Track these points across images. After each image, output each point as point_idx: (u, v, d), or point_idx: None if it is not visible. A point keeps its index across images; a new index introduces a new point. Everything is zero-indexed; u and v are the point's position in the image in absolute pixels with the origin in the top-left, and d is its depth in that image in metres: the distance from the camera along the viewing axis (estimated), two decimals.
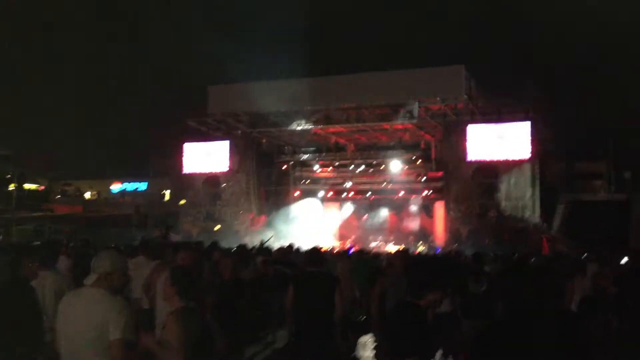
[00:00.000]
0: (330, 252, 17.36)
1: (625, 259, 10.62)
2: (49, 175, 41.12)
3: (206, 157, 32.30)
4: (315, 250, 7.70)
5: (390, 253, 16.29)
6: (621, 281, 7.89)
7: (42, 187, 40.43)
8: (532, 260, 11.23)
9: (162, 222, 29.30)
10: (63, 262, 9.20)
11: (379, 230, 33.29)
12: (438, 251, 25.14)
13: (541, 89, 26.77)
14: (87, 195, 42.99)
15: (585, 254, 12.85)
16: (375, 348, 4.15)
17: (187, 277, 4.45)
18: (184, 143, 32.70)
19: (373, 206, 34.09)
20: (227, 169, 31.92)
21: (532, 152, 26.17)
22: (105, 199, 41.70)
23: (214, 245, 12.08)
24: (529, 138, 26.22)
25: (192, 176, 32.62)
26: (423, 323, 3.91)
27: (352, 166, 31.98)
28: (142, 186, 43.83)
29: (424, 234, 31.68)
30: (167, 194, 42.30)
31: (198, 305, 4.35)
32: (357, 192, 33.94)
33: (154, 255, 7.68)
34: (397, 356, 3.81)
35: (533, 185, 26.11)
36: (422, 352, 3.77)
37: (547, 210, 25.89)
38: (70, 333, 4.03)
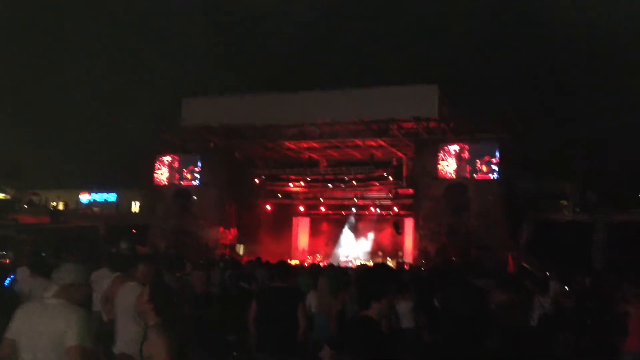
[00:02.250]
0: (301, 268, 17.40)
1: (584, 279, 10.84)
2: (15, 185, 40.41)
3: (177, 169, 32.17)
4: (282, 265, 7.73)
5: (355, 268, 16.36)
6: (581, 300, 8.09)
7: (8, 197, 39.71)
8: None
9: (130, 234, 29.00)
10: (23, 273, 9.06)
11: (349, 246, 33.41)
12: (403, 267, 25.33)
13: (511, 109, 27.26)
14: (55, 205, 42.34)
15: (548, 273, 13.07)
16: None
17: (166, 294, 4.45)
18: (155, 155, 32.52)
19: (344, 222, 34.22)
20: (199, 182, 31.82)
21: (501, 172, 26.61)
22: (74, 210, 41.11)
23: (185, 259, 12.04)
24: (499, 158, 26.67)
25: (162, 188, 32.42)
26: (372, 335, 3.92)
27: (324, 182, 32.06)
28: (112, 197, 43.35)
29: (394, 251, 31.87)
30: (137, 206, 41.89)
31: (174, 320, 4.35)
32: (329, 208, 34.07)
33: (118, 268, 7.62)
34: None
35: (501, 204, 26.46)
36: None
37: (513, 229, 26.24)
38: (29, 343, 4.02)
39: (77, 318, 4.00)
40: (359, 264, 25.25)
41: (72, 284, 4.17)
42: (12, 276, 8.35)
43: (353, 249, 32.92)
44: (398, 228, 31.92)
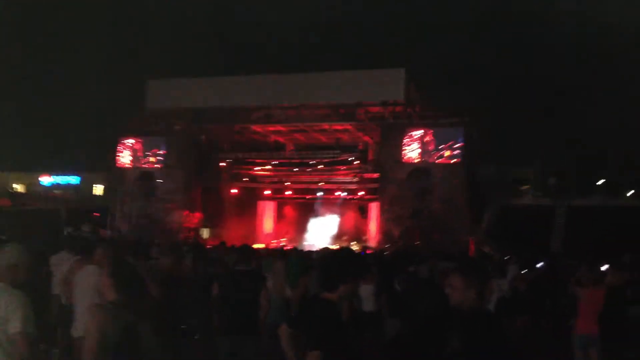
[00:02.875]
0: (265, 251, 17.39)
1: (540, 263, 11.07)
2: None
3: (142, 152, 31.75)
4: (245, 249, 7.72)
5: (319, 251, 16.40)
6: (535, 283, 8.26)
7: None
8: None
9: (92, 217, 28.61)
10: None
11: (314, 229, 33.47)
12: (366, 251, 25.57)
13: (476, 95, 27.61)
14: (16, 187, 41.52)
15: (507, 257, 13.32)
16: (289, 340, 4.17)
17: (127, 271, 4.41)
18: (120, 137, 32.05)
19: (309, 205, 34.25)
20: (164, 165, 31.48)
21: (464, 157, 26.92)
22: (35, 192, 40.34)
23: (148, 243, 11.95)
24: (463, 143, 26.96)
25: (126, 171, 31.99)
26: (332, 316, 3.94)
27: (290, 165, 32.02)
28: (75, 181, 42.63)
29: (358, 234, 32.05)
30: (100, 188, 41.30)
31: (133, 302, 4.29)
32: (295, 192, 34.07)
33: (78, 251, 7.55)
34: (307, 349, 3.84)
35: (464, 189, 26.80)
36: (331, 345, 3.81)
37: (476, 213, 26.64)
38: None
39: (18, 303, 3.94)
40: (323, 247, 25.33)
41: (15, 264, 4.12)
42: None
43: (318, 233, 32.98)
44: (363, 212, 32.10)
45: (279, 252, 15.14)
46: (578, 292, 7.48)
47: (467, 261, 9.34)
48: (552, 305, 7.83)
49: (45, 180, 43.07)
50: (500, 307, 7.49)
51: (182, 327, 6.97)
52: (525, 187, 29.37)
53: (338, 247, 25.61)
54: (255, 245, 24.69)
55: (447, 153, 27.10)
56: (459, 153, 26.95)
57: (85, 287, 5.75)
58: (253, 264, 7.54)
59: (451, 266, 7.51)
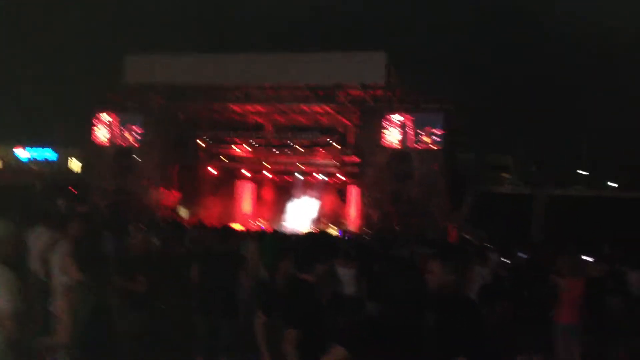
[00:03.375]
0: (242, 232, 17.27)
1: (521, 253, 11.10)
2: None
3: (120, 128, 31.31)
4: (225, 229, 7.65)
5: (298, 234, 16.37)
6: (517, 272, 8.26)
7: None
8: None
9: (68, 192, 28.25)
10: None
11: (293, 211, 33.41)
12: (342, 234, 25.60)
13: (457, 80, 27.65)
14: None
15: (488, 244, 13.35)
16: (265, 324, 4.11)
17: (88, 250, 4.30)
18: (97, 112, 31.54)
19: (288, 187, 34.16)
20: (141, 142, 31.08)
21: (444, 143, 26.98)
22: (9, 165, 39.72)
23: (126, 220, 11.76)
24: (443, 128, 26.99)
25: (103, 147, 31.54)
26: (309, 296, 3.89)
27: (269, 146, 31.82)
28: (52, 157, 42.04)
29: (337, 218, 32.06)
30: (77, 164, 40.78)
31: (97, 279, 4.19)
32: (274, 173, 33.91)
33: (54, 226, 7.37)
34: (283, 328, 3.79)
35: (443, 174, 26.88)
36: (308, 325, 3.75)
37: (455, 199, 26.77)
38: None
39: (4, 279, 3.84)
40: (302, 230, 25.31)
41: (1, 240, 3.99)
42: None
43: (297, 215, 32.93)
44: (342, 195, 32.08)
45: (257, 233, 15.06)
46: (559, 282, 7.48)
47: (447, 247, 9.30)
48: (532, 295, 7.84)
49: (21, 153, 42.41)
50: (482, 295, 7.46)
51: (160, 306, 6.88)
52: (505, 174, 29.57)
53: (316, 230, 25.66)
54: (233, 226, 24.61)
55: (427, 138, 27.12)
56: (440, 139, 26.99)
57: (59, 262, 5.59)
58: (233, 245, 7.44)
59: (431, 251, 7.49)
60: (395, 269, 3.86)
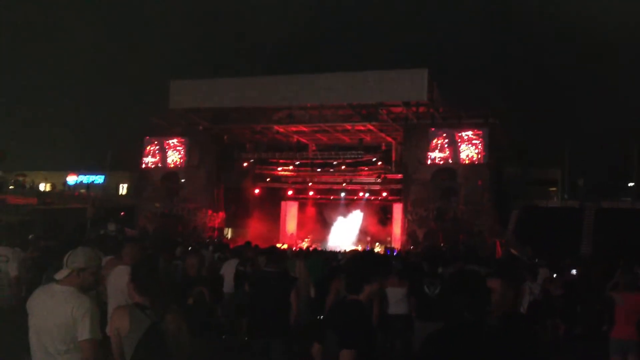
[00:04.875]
0: (288, 251, 17.38)
1: (574, 270, 10.89)
2: (2, 166, 40.16)
3: (166, 152, 31.96)
4: (274, 250, 7.72)
5: (345, 253, 16.36)
6: (570, 288, 8.11)
7: None
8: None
9: (118, 216, 28.87)
10: (17, 254, 8.94)
11: (337, 230, 33.43)
12: (392, 252, 25.42)
13: (501, 96, 27.40)
14: (42, 187, 42.09)
15: (537, 259, 13.14)
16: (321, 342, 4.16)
17: (145, 273, 4.42)
18: (144, 137, 32.30)
19: (332, 206, 34.21)
20: (187, 164, 31.65)
21: (489, 158, 26.69)
22: (61, 192, 40.86)
23: (175, 242, 11.97)
24: (487, 144, 26.73)
25: (151, 171, 32.22)
26: (361, 316, 3.92)
27: (313, 166, 32.00)
28: (99, 180, 43.09)
29: (382, 236, 31.93)
30: (125, 188, 41.69)
31: (157, 302, 4.31)
32: (317, 192, 34.05)
33: (108, 250, 7.59)
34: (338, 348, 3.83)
35: (489, 190, 26.57)
36: (363, 345, 3.79)
37: (502, 215, 26.40)
38: (40, 330, 4.00)
39: (85, 308, 3.96)
40: (348, 249, 25.28)
41: (84, 268, 4.13)
42: None
43: (341, 233, 32.93)
44: (386, 213, 31.97)
45: (304, 253, 15.14)
46: (615, 297, 7.33)
47: (502, 264, 9.21)
48: (585, 311, 7.68)
49: (72, 179, 43.60)
50: (532, 311, 7.37)
51: (213, 324, 6.99)
52: (552, 188, 29.07)
53: (361, 248, 25.62)
54: (278, 246, 24.75)
55: (471, 154, 26.88)
56: (484, 154, 26.73)
57: (117, 286, 5.76)
58: (280, 265, 7.52)
59: (481, 269, 7.44)
60: (446, 287, 3.86)
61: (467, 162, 26.99)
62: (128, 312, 4.11)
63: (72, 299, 3.99)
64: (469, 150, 26.93)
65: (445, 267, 10.46)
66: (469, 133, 27.14)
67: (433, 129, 27.72)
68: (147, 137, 32.24)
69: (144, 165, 32.27)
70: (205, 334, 7.03)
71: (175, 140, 31.92)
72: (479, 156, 26.79)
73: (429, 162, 27.55)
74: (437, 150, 27.48)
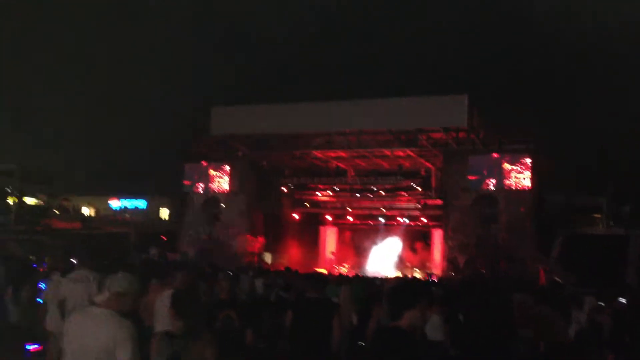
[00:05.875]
0: (330, 277, 17.36)
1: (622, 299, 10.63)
2: (47, 191, 41.16)
3: (206, 177, 32.39)
4: (316, 275, 7.76)
5: (386, 279, 16.25)
6: (619, 317, 7.93)
7: (41, 203, 40.46)
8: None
9: (160, 240, 29.25)
10: (56, 278, 9.09)
11: (377, 256, 33.27)
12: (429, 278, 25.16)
13: (543, 121, 27.09)
14: (86, 211, 42.97)
15: (583, 288, 12.88)
16: None
17: (185, 299, 4.48)
18: (185, 163, 32.83)
19: (371, 232, 34.11)
20: (227, 190, 32.01)
21: (531, 184, 26.33)
22: (104, 216, 41.62)
23: (216, 267, 12.07)
24: (529, 170, 26.40)
25: (191, 196, 32.67)
26: (403, 343, 3.90)
27: (352, 191, 32.02)
28: (141, 205, 43.80)
29: (422, 262, 31.66)
30: (166, 213, 42.25)
31: (194, 329, 4.35)
32: (356, 218, 34.00)
33: (153, 275, 7.70)
34: None
35: (532, 217, 26.16)
36: None
37: (544, 242, 25.93)
38: (77, 352, 4.05)
39: (127, 332, 4.01)
40: (388, 275, 25.11)
41: (125, 293, 4.19)
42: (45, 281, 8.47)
43: (381, 259, 32.76)
44: (426, 239, 31.71)
45: (344, 278, 15.10)
46: None
47: (548, 292, 9.05)
48: (634, 340, 7.50)
49: (114, 203, 44.42)
50: (579, 340, 7.22)
51: (246, 348, 6.99)
52: (597, 215, 28.45)
53: (401, 274, 25.46)
54: (319, 271, 24.75)
55: (513, 179, 26.57)
56: (526, 179, 26.39)
57: (164, 311, 5.85)
58: (322, 291, 7.53)
59: (528, 298, 7.32)
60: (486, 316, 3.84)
61: (508, 187, 26.67)
62: (156, 340, 4.19)
63: (113, 321, 4.04)
64: (511, 176, 26.62)
65: (485, 295, 10.24)
66: (510, 158, 26.84)
67: (473, 154, 27.50)
68: (188, 163, 32.74)
69: (186, 191, 32.75)
70: (239, 358, 7.06)
71: (215, 166, 32.34)
72: (522, 182, 26.44)
73: (469, 188, 27.30)
74: (477, 176, 27.22)
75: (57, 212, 38.75)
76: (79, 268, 7.92)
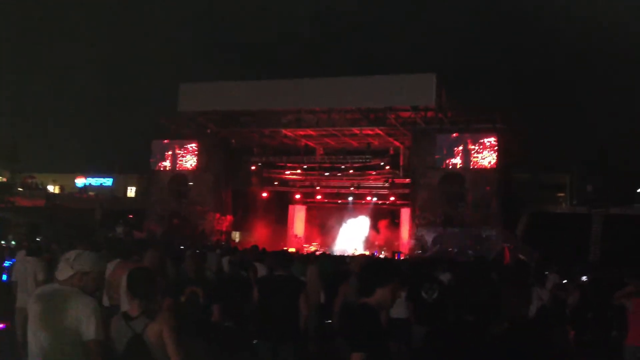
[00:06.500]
0: (297, 255, 17.37)
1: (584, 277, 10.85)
2: (11, 167, 40.34)
3: (174, 155, 32.08)
4: (283, 254, 7.74)
5: (354, 257, 16.32)
6: (581, 294, 8.07)
7: (4, 179, 39.65)
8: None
9: (127, 219, 28.97)
10: (21, 256, 9.00)
11: (345, 234, 33.38)
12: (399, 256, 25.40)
13: (510, 101, 27.37)
14: (50, 188, 42.25)
15: (546, 265, 13.10)
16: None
17: (141, 279, 4.44)
18: (152, 140, 32.43)
19: (340, 210, 34.17)
20: (195, 167, 31.75)
21: (497, 163, 26.63)
22: (69, 193, 40.99)
23: (184, 245, 12.00)
24: (496, 149, 26.68)
25: (159, 174, 32.34)
26: (372, 320, 3.91)
27: (321, 170, 32.01)
28: (108, 182, 43.25)
29: (389, 240, 31.85)
30: (133, 190, 41.80)
31: (151, 307, 4.32)
32: (325, 196, 34.02)
33: (117, 253, 7.58)
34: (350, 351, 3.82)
35: (497, 195, 26.51)
36: (373, 349, 3.78)
37: (510, 220, 26.32)
38: (41, 330, 3.99)
39: (91, 309, 3.96)
40: (357, 253, 25.23)
41: (88, 272, 4.14)
42: (12, 260, 8.33)
43: (349, 238, 32.88)
44: (395, 218, 31.91)
45: (311, 256, 15.11)
46: (627, 304, 7.29)
47: (510, 269, 9.18)
48: (596, 317, 7.65)
49: (80, 181, 43.78)
50: (540, 317, 7.34)
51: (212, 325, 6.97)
52: (561, 194, 28.96)
53: (369, 253, 25.52)
54: (287, 249, 24.75)
55: (480, 158, 26.83)
56: (492, 158, 26.68)
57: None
58: (289, 269, 7.51)
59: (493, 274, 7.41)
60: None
61: (475, 167, 26.95)
62: (113, 322, 4.16)
63: (77, 299, 3.99)
64: (478, 156, 26.88)
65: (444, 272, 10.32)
66: (477, 137, 27.09)
67: (441, 133, 27.69)
68: (155, 140, 32.36)
69: (151, 168, 32.39)
70: (205, 335, 7.03)
71: (183, 143, 32.03)
72: (488, 161, 26.73)
73: (436, 166, 27.50)
74: (444, 155, 27.43)
75: (21, 190, 38.03)
76: (44, 246, 7.80)
